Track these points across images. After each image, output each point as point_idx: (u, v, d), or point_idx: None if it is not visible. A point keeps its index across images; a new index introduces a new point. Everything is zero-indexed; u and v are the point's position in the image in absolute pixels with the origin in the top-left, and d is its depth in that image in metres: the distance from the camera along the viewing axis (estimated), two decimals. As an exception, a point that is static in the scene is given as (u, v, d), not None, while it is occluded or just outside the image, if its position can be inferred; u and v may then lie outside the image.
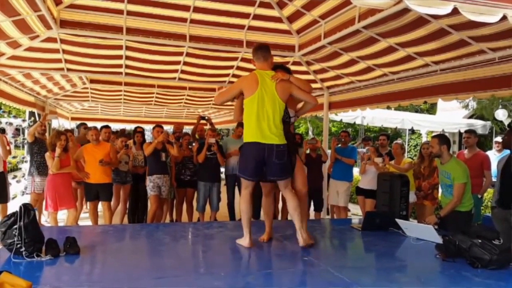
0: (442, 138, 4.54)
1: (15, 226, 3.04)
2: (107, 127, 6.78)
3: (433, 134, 4.90)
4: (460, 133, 14.65)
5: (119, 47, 6.35)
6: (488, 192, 6.63)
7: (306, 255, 3.49)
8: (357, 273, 3.09)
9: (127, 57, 6.80)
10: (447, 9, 2.63)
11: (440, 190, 5.10)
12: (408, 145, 21.68)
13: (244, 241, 3.74)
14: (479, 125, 14.06)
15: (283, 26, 6.13)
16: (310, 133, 22.51)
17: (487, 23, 3.21)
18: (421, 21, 4.40)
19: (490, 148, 10.76)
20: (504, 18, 2.68)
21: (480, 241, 3.18)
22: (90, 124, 9.25)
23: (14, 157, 10.84)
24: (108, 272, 3.06)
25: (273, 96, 3.61)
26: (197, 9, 5.59)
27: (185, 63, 7.15)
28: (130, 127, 13.45)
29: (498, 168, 4.74)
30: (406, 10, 4.09)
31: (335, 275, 2.96)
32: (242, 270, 3.25)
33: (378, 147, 6.90)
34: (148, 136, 10.07)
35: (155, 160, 6.37)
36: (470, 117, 16.44)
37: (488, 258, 3.08)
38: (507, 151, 5.20)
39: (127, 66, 7.22)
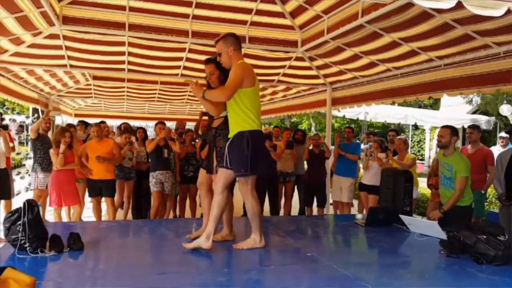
0: (454, 130, 4.50)
1: (19, 222, 3.06)
2: (103, 122, 6.82)
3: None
4: (464, 129, 14.56)
5: (122, 44, 6.34)
6: (492, 188, 6.59)
7: (309, 251, 3.49)
8: (360, 269, 3.08)
9: (130, 54, 6.80)
10: (451, 2, 2.61)
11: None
12: (411, 141, 21.64)
13: (261, 242, 3.51)
14: (483, 120, 14.01)
15: (286, 21, 6.10)
16: (313, 129, 22.50)
17: (492, 17, 3.19)
18: (425, 15, 4.37)
19: (494, 144, 10.72)
20: (509, 12, 2.66)
21: (485, 237, 3.17)
22: (94, 121, 9.26)
23: (18, 154, 10.87)
24: (112, 268, 3.06)
25: None
26: (199, 5, 5.57)
27: (188, 59, 7.13)
28: (133, 123, 13.45)
29: (502, 162, 4.66)
30: (410, 5, 4.06)
31: (338, 271, 2.95)
32: (245, 266, 3.24)
33: (386, 144, 6.88)
34: (151, 133, 10.08)
35: (158, 156, 6.39)
36: (474, 112, 16.37)
37: (493, 254, 3.07)
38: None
39: (129, 63, 7.21)
